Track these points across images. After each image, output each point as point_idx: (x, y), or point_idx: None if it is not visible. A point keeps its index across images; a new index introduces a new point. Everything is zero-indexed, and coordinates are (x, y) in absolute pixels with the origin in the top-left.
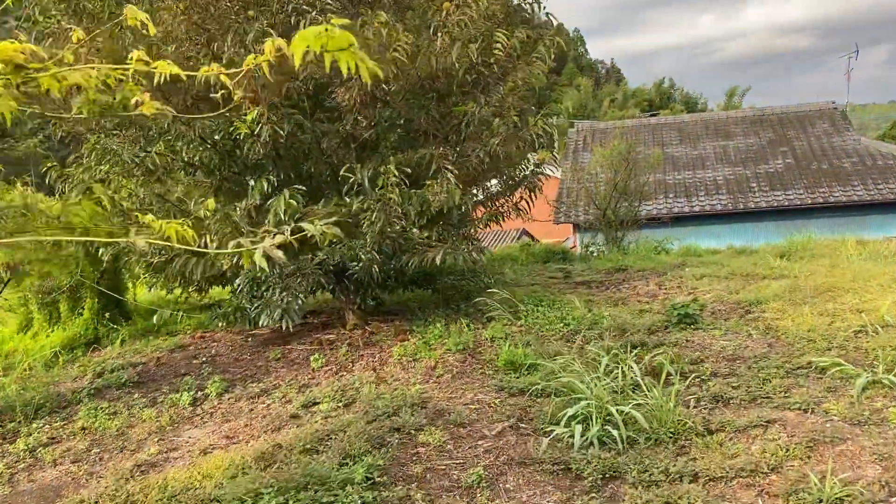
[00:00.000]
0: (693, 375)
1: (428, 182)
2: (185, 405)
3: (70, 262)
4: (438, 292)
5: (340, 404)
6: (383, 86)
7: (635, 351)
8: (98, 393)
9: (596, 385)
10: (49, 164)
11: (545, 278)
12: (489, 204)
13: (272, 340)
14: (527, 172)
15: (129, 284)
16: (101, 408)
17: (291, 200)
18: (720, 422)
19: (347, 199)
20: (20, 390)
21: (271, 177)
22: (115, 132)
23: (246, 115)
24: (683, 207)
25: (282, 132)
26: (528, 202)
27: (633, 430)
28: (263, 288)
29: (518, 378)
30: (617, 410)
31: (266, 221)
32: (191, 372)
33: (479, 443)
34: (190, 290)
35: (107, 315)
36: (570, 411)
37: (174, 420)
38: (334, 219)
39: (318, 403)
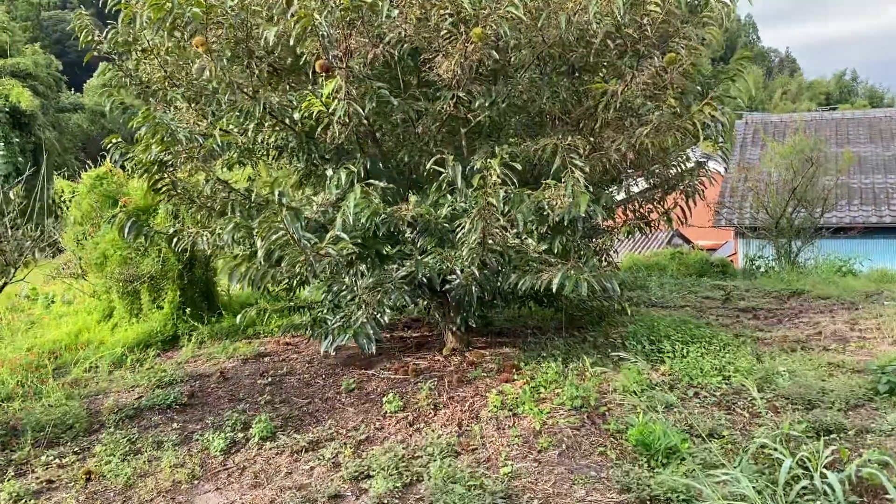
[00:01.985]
0: None
1: (546, 182)
2: (217, 452)
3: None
4: (561, 311)
5: (399, 484)
6: (494, 54)
7: (831, 446)
8: (135, 416)
9: None
10: (113, 140)
11: (699, 299)
12: (631, 209)
13: (355, 360)
14: (684, 171)
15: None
16: (126, 440)
17: (364, 199)
18: None
19: (450, 198)
20: (60, 401)
21: (353, 166)
22: (182, 101)
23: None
24: (870, 217)
25: (362, 110)
26: (684, 210)
27: None
28: (346, 300)
29: (653, 472)
30: None
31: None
32: (248, 397)
33: None
34: (278, 289)
35: (187, 310)
36: None
37: (195, 474)
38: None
39: (372, 477)
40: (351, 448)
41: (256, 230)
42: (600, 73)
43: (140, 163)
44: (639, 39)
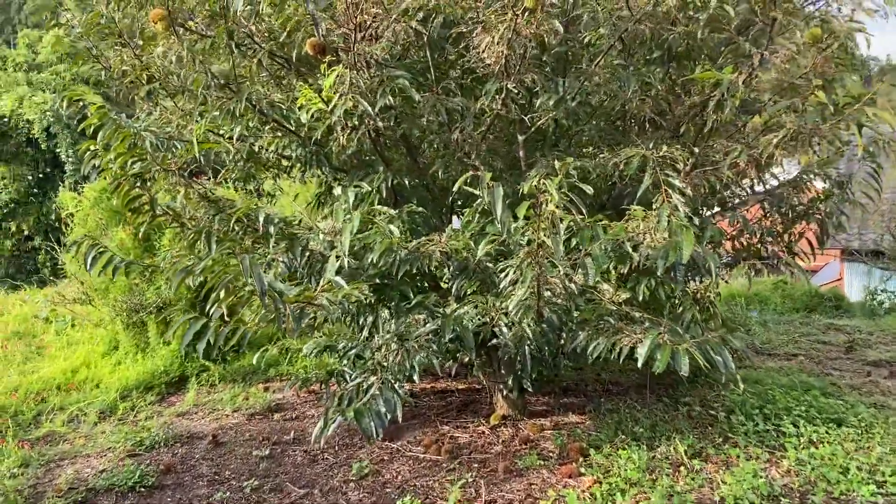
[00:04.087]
0: None
1: (631, 209)
2: None
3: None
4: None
5: None
6: (559, 27)
7: None
8: (83, 502)
9: None
10: (89, 147)
11: (814, 345)
12: (740, 241)
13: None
14: (823, 193)
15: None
16: None
17: (375, 229)
18: None
19: (500, 227)
20: (9, 468)
21: (370, 183)
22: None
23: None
24: None
25: (372, 108)
26: (812, 245)
27: None
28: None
29: None
30: None
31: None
32: (234, 478)
33: None
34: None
35: (196, 347)
36: None
37: None
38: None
39: None
40: None
41: (206, 276)
42: (702, 62)
43: (114, 176)
44: (767, 8)
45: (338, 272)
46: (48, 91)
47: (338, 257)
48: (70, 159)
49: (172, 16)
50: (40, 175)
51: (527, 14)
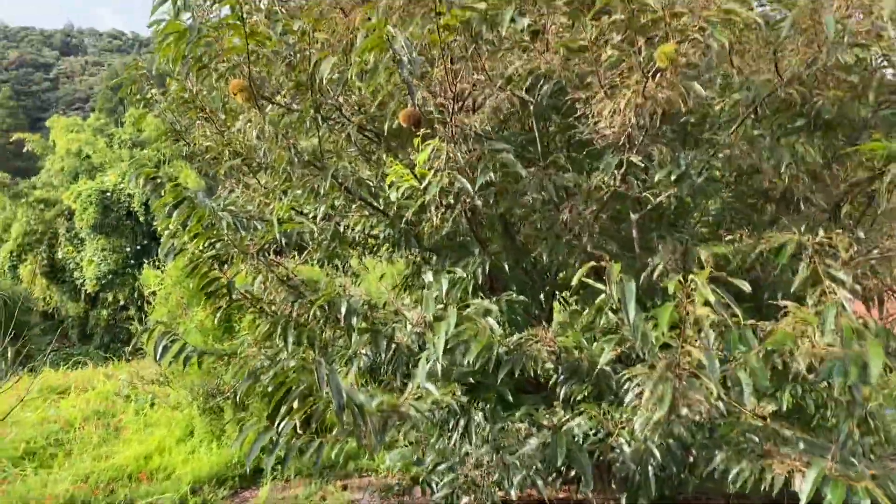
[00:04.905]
0: None
1: (788, 310)
2: None
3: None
4: None
5: None
6: (699, 89)
7: None
8: None
9: None
10: (167, 225)
11: None
12: None
13: None
14: None
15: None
16: None
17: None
18: None
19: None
20: None
21: (464, 269)
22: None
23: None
24: None
25: (469, 186)
26: None
27: None
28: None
29: None
30: None
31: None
32: None
33: None
34: None
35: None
36: None
37: None
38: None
39: None
40: None
41: (277, 384)
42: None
43: (190, 258)
44: None
45: (428, 377)
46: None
47: (428, 359)
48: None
49: (254, 87)
50: (138, 247)
51: (658, 76)
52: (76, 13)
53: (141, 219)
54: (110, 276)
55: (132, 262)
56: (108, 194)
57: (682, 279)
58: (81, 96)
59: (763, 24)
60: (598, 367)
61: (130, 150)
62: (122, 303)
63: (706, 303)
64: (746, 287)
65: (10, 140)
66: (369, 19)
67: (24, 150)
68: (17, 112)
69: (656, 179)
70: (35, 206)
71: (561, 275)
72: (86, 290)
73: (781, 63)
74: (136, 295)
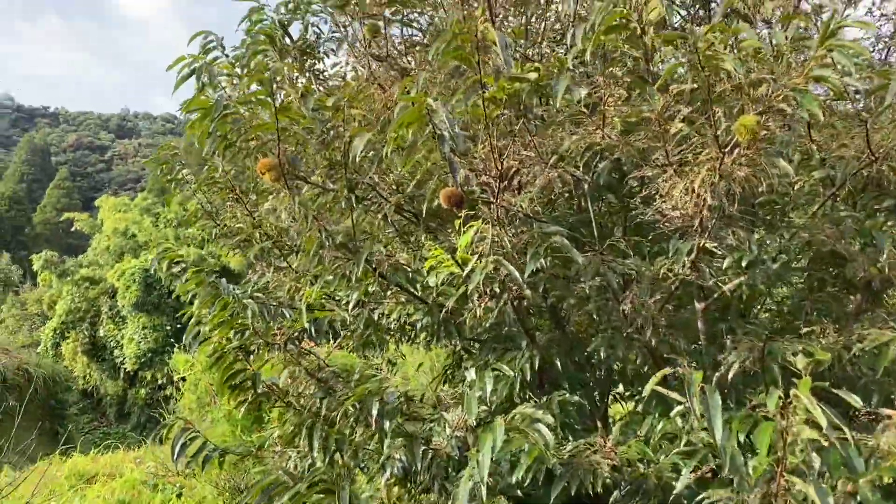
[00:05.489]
0: None
1: (892, 422)
2: None
3: None
4: None
5: None
6: (784, 165)
7: None
8: None
9: None
10: (192, 313)
11: None
12: None
13: None
14: None
15: None
16: None
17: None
18: None
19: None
20: None
21: (509, 365)
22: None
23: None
24: None
25: (517, 274)
26: None
27: None
28: None
29: None
30: None
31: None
32: None
33: None
34: None
35: None
36: None
37: None
38: None
39: None
40: None
41: None
42: None
43: (215, 348)
44: None
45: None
46: (193, 245)
47: (471, 477)
48: None
49: (284, 166)
50: (178, 325)
51: (736, 151)
52: (132, 99)
53: (182, 298)
54: (150, 355)
55: (172, 340)
56: (151, 273)
57: (781, 394)
58: (133, 177)
59: (858, 93)
60: (674, 493)
61: (175, 228)
62: (159, 382)
63: (807, 420)
64: (858, 403)
65: (62, 219)
66: (408, 93)
67: (72, 229)
68: (73, 192)
69: (725, 266)
70: (80, 284)
71: (616, 366)
72: (125, 369)
73: (874, 136)
74: (173, 374)
